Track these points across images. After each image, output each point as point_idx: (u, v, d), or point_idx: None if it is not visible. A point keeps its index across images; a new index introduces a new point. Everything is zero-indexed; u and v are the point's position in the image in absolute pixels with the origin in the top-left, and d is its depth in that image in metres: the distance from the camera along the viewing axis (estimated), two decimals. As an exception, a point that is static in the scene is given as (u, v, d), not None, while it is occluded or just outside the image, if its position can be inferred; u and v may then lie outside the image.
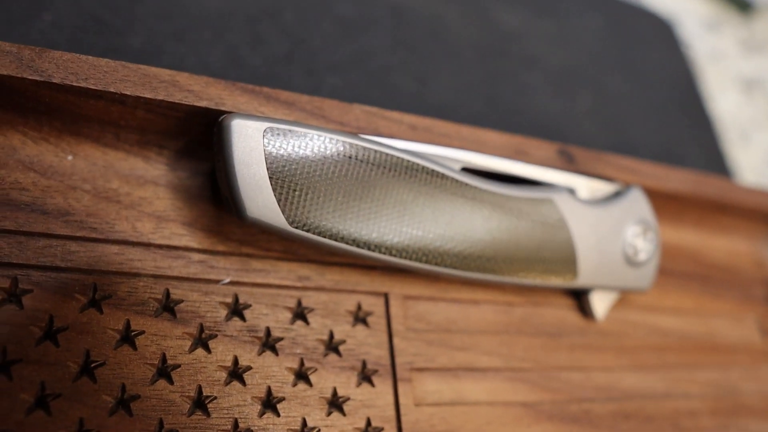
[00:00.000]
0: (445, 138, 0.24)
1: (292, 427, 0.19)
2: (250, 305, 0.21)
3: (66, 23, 0.25)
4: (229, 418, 0.19)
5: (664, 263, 0.30)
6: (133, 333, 0.19)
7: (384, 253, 0.21)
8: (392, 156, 0.21)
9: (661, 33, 0.46)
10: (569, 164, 0.26)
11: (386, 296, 0.23)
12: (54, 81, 0.18)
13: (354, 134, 0.21)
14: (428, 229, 0.22)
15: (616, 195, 0.26)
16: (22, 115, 0.19)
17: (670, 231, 0.31)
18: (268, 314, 0.21)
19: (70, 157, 0.20)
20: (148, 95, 0.19)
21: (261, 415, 0.19)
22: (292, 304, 0.21)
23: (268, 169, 0.19)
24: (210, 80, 0.20)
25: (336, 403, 0.20)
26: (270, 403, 0.20)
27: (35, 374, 0.17)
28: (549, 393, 0.24)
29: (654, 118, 0.40)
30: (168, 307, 0.20)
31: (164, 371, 0.19)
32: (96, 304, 0.19)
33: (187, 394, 0.19)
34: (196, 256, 0.21)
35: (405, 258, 0.22)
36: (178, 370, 0.19)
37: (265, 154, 0.19)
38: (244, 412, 0.19)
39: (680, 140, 0.40)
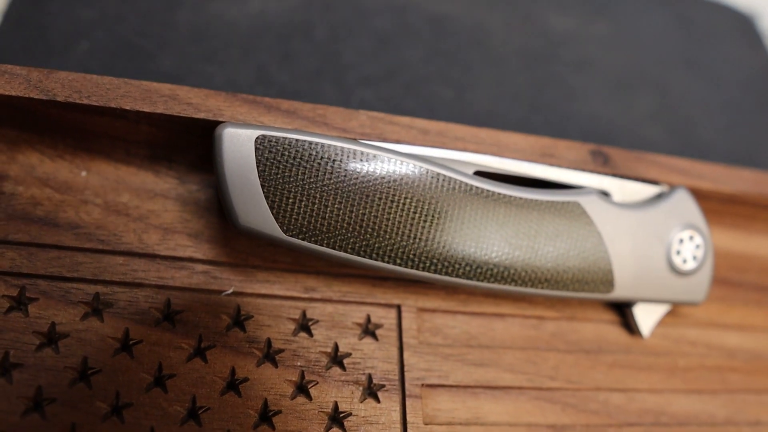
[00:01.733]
0: (460, 142, 0.23)
1: (287, 442, 0.19)
2: (252, 316, 0.20)
3: (101, 50, 0.26)
4: (222, 429, 0.18)
5: (730, 274, 0.27)
6: (131, 342, 0.19)
7: (387, 262, 0.20)
8: (395, 160, 0.20)
9: (740, 28, 0.42)
10: (604, 166, 0.24)
11: (399, 308, 0.22)
12: (58, 99, 0.19)
13: (353, 140, 0.20)
14: (436, 236, 0.20)
15: (659, 197, 0.24)
16: (39, 134, 0.21)
17: (736, 238, 0.28)
18: (271, 325, 0.20)
19: (83, 173, 0.21)
20: (147, 109, 0.20)
21: (255, 427, 0.19)
22: (297, 315, 0.21)
23: (260, 176, 0.19)
24: (210, 92, 0.21)
25: (336, 419, 0.20)
26: (266, 416, 0.19)
27: (33, 379, 0.18)
28: (583, 415, 0.22)
29: (728, 119, 0.36)
30: (168, 317, 0.20)
31: (160, 380, 0.19)
32: (98, 312, 0.19)
33: (181, 403, 0.19)
34: (200, 267, 0.21)
35: (412, 267, 0.21)
36: (174, 379, 0.19)
37: (257, 162, 0.19)
38: (239, 424, 0.19)
39: (759, 142, 0.36)
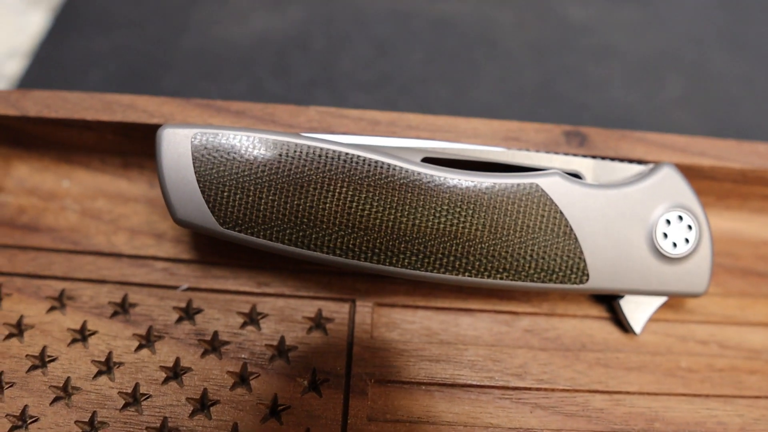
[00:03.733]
0: (413, 130, 0.22)
1: (222, 430, 0.19)
2: (202, 310, 0.21)
3: (112, 77, 0.29)
4: (160, 416, 0.19)
5: (755, 264, 0.23)
6: (87, 333, 0.20)
7: (326, 253, 0.20)
8: (330, 150, 0.20)
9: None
10: (580, 147, 0.22)
11: (353, 303, 0.22)
12: (30, 115, 0.21)
13: (290, 133, 0.21)
14: (377, 225, 0.20)
15: (642, 176, 0.21)
16: (27, 149, 0.23)
17: (761, 222, 0.24)
18: (220, 319, 0.21)
19: (65, 183, 0.23)
20: (106, 118, 0.21)
21: (192, 416, 0.19)
22: (247, 309, 0.21)
23: (196, 172, 0.20)
24: (165, 99, 0.22)
25: (275, 411, 0.19)
26: (204, 406, 0.19)
27: (-5, 364, 0.19)
28: (556, 419, 0.20)
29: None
30: (124, 310, 0.21)
31: (109, 368, 0.20)
32: (62, 306, 0.21)
33: (124, 390, 0.19)
34: (160, 265, 0.22)
35: (353, 258, 0.20)
36: (121, 367, 0.20)
37: (193, 159, 0.20)
38: (176, 412, 0.19)
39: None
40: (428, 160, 0.21)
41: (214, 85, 0.29)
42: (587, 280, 0.21)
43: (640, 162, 0.22)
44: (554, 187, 0.20)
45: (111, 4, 0.32)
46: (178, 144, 0.20)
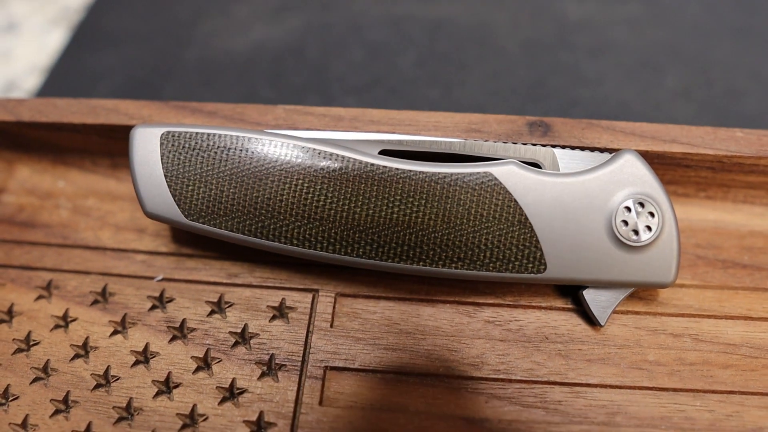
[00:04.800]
0: (374, 125, 0.23)
1: (182, 412, 0.20)
2: (174, 299, 0.22)
3: (117, 89, 0.31)
4: (126, 396, 0.20)
5: (733, 255, 0.22)
6: (69, 319, 0.22)
7: (284, 243, 0.21)
8: (287, 144, 0.21)
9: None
10: (543, 137, 0.22)
11: (316, 293, 0.22)
12: (24, 119, 0.23)
13: (252, 130, 0.22)
14: (333, 216, 0.21)
15: (602, 164, 0.21)
16: (27, 152, 0.25)
17: (744, 212, 0.23)
18: (189, 307, 0.22)
19: (61, 183, 0.25)
20: (91, 121, 0.23)
21: (155, 397, 0.20)
22: (215, 298, 0.22)
23: (163, 167, 0.21)
24: (145, 103, 0.23)
25: (232, 394, 0.20)
26: (167, 388, 0.20)
27: (-16, 346, 0.21)
28: (512, 410, 0.20)
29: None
30: (103, 299, 0.22)
31: (86, 351, 0.21)
32: (49, 296, 0.22)
33: (96, 372, 0.21)
34: (140, 257, 0.23)
35: (309, 248, 0.21)
36: (96, 351, 0.21)
37: (161, 155, 0.21)
38: (141, 393, 0.20)
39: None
40: (387, 153, 0.22)
41: (211, 92, 0.31)
42: (545, 269, 0.20)
43: (603, 151, 0.22)
44: (508, 176, 0.20)
45: (123, 21, 0.34)
46: (148, 142, 0.21)
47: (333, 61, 0.32)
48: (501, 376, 0.20)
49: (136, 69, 0.32)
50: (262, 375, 0.21)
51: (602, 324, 0.21)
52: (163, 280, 0.23)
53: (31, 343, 0.22)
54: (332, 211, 0.21)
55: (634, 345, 0.21)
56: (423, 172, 0.21)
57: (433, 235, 0.20)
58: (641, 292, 0.22)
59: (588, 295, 0.21)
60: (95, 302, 0.22)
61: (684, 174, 0.23)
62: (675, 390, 0.20)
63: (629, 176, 0.20)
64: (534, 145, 0.22)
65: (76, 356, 0.21)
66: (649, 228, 0.20)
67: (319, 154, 0.21)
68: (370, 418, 0.20)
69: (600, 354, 0.21)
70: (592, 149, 0.22)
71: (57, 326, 0.22)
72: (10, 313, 0.22)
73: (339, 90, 0.31)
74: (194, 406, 0.20)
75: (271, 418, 0.20)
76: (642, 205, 0.20)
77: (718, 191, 0.23)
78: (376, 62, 0.32)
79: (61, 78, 0.32)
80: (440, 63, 0.32)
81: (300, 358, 0.21)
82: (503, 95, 0.31)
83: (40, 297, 0.23)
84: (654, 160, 0.22)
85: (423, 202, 0.20)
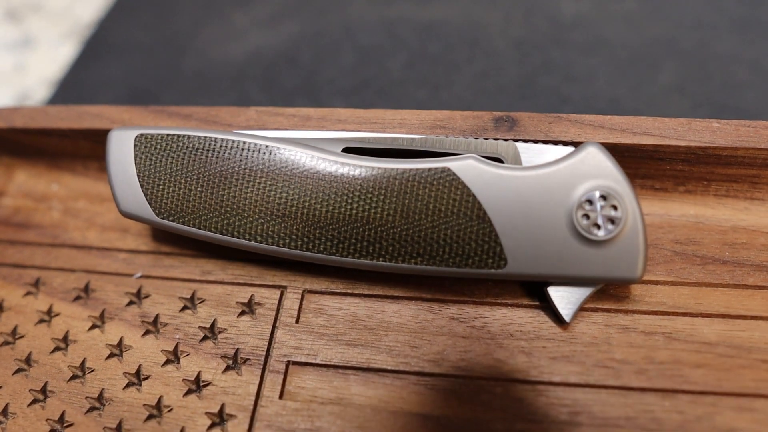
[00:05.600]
0: (341, 124, 0.23)
1: (148, 403, 0.21)
2: (150, 295, 0.23)
3: (120, 98, 0.33)
4: (99, 387, 0.21)
5: (713, 251, 0.21)
6: (52, 314, 0.23)
7: (248, 239, 0.21)
8: (251, 144, 0.22)
9: None
10: (509, 132, 0.22)
11: (284, 289, 0.23)
12: (17, 126, 0.25)
13: (221, 131, 0.22)
14: (292, 212, 0.21)
15: (564, 158, 0.20)
16: (25, 157, 0.27)
17: (728, 206, 0.22)
18: (164, 303, 0.23)
19: (54, 186, 0.26)
20: (76, 126, 0.24)
21: (125, 388, 0.21)
22: (188, 294, 0.23)
23: (137, 168, 0.22)
24: (128, 108, 0.25)
25: (198, 386, 0.21)
26: (138, 379, 0.21)
27: (-27, 339, 0.23)
28: (470, 407, 0.19)
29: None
30: (86, 295, 0.23)
31: (66, 344, 0.22)
32: (37, 292, 0.24)
33: (73, 364, 0.22)
34: (122, 255, 0.24)
35: (273, 244, 0.21)
36: (74, 344, 0.22)
37: (135, 156, 0.22)
38: (113, 385, 0.21)
39: None
40: (351, 151, 0.22)
41: (206, 98, 0.32)
42: (505, 264, 0.20)
43: (569, 144, 0.21)
44: (467, 170, 0.20)
45: (129, 34, 0.36)
46: (123, 144, 0.22)
47: (325, 64, 0.33)
48: (461, 373, 0.20)
49: (138, 78, 0.34)
50: (227, 369, 0.21)
51: (568, 321, 0.20)
52: (141, 277, 0.24)
53: (17, 336, 0.23)
54: (293, 208, 0.21)
55: (602, 343, 0.20)
56: (381, 168, 0.21)
57: (391, 230, 0.20)
58: (614, 290, 0.21)
59: (553, 291, 0.21)
60: (77, 298, 0.23)
61: (659, 168, 0.22)
62: (642, 389, 0.19)
63: (591, 169, 0.20)
64: (496, 140, 0.21)
65: (57, 349, 0.22)
66: (612, 221, 0.19)
67: (281, 152, 0.21)
68: (328, 412, 0.20)
69: (565, 352, 0.20)
70: (557, 143, 0.21)
71: (41, 320, 0.23)
72: (0, 308, 0.23)
73: (328, 93, 0.32)
74: (160, 397, 0.21)
75: (232, 411, 0.20)
76: (604, 198, 0.20)
77: (698, 185, 0.22)
78: (367, 65, 0.33)
79: (69, 89, 0.33)
80: (430, 64, 0.32)
81: (264, 353, 0.21)
82: (491, 94, 0.30)
83: (28, 293, 0.24)
84: (624, 154, 0.22)
85: (381, 197, 0.20)
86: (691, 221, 0.22)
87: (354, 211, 0.21)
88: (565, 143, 0.21)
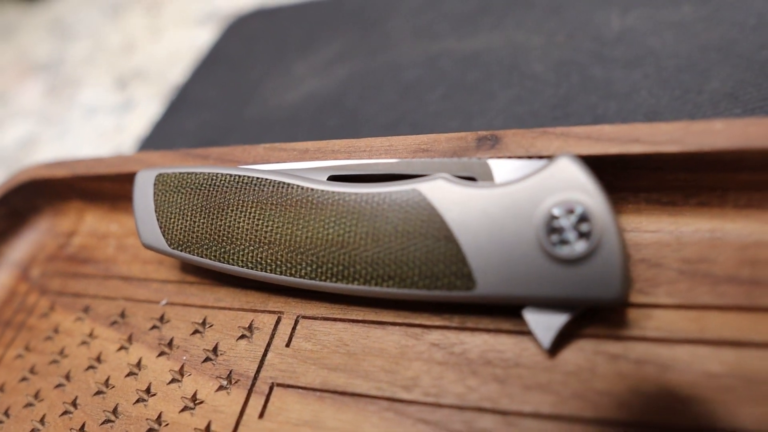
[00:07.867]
0: (335, 154, 0.24)
1: (150, 417, 0.22)
2: (170, 320, 0.25)
3: (188, 145, 0.36)
4: (115, 402, 0.23)
5: (728, 270, 0.19)
6: (93, 337, 0.26)
7: (241, 266, 0.23)
8: (245, 177, 0.23)
9: None
10: (491, 150, 0.21)
11: (281, 315, 0.23)
12: (78, 173, 0.29)
13: (225, 167, 0.24)
14: (278, 239, 0.22)
15: (534, 172, 0.19)
16: (91, 201, 0.31)
17: (745, 221, 0.19)
18: (180, 327, 0.25)
19: (113, 226, 0.30)
20: (126, 170, 0.28)
21: (134, 403, 0.23)
22: (200, 320, 0.25)
23: (155, 204, 0.25)
24: (164, 153, 0.28)
25: (193, 403, 0.22)
26: (147, 395, 0.23)
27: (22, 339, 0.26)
28: (435, 435, 0.19)
29: None
30: (121, 320, 0.26)
31: (97, 364, 0.25)
32: (84, 318, 0.27)
33: (99, 381, 0.24)
34: (154, 285, 0.27)
35: (261, 270, 0.22)
36: (104, 364, 0.25)
37: (154, 193, 0.25)
38: (126, 400, 0.23)
39: None
40: (336, 178, 0.23)
41: (259, 143, 0.34)
42: (474, 286, 0.19)
43: (538, 157, 0.20)
44: (435, 191, 0.20)
45: (205, 90, 0.40)
46: (146, 182, 0.25)
47: (368, 102, 0.34)
48: (430, 400, 0.19)
49: (207, 130, 0.37)
50: (220, 388, 0.22)
51: (546, 347, 0.19)
52: (167, 304, 0.26)
53: (63, 355, 0.26)
54: (278, 235, 0.22)
55: (586, 372, 0.18)
56: (354, 193, 0.21)
57: (364, 253, 0.21)
58: (606, 315, 0.19)
59: (529, 315, 0.19)
60: (114, 323, 0.26)
61: (661, 179, 0.20)
62: (622, 424, 0.17)
63: (560, 182, 0.19)
64: (471, 159, 0.21)
65: (90, 367, 0.25)
66: (583, 236, 0.18)
67: (270, 183, 0.23)
68: (299, 434, 0.20)
69: (541, 380, 0.19)
70: (534, 158, 0.20)
71: (83, 342, 0.26)
72: (56, 331, 0.27)
73: (367, 130, 0.33)
74: (161, 413, 0.22)
75: (217, 428, 0.21)
76: (572, 211, 0.18)
77: (712, 196, 0.20)
78: (406, 100, 0.33)
79: (151, 142, 0.38)
80: (467, 94, 0.32)
81: (253, 374, 0.22)
82: (521, 118, 0.30)
83: (78, 319, 0.27)
84: (617, 165, 0.20)
85: (354, 221, 0.21)
86: (705, 237, 0.20)
87: (329, 236, 0.21)
88: (544, 157, 0.20)
